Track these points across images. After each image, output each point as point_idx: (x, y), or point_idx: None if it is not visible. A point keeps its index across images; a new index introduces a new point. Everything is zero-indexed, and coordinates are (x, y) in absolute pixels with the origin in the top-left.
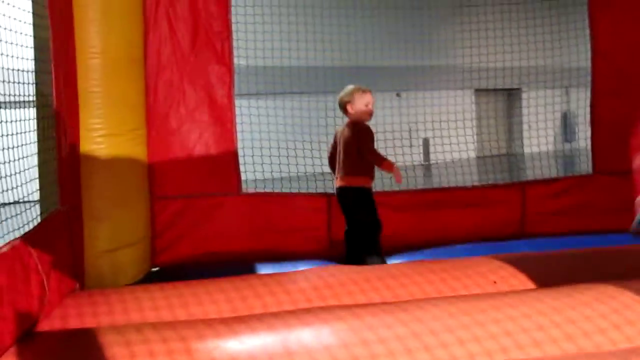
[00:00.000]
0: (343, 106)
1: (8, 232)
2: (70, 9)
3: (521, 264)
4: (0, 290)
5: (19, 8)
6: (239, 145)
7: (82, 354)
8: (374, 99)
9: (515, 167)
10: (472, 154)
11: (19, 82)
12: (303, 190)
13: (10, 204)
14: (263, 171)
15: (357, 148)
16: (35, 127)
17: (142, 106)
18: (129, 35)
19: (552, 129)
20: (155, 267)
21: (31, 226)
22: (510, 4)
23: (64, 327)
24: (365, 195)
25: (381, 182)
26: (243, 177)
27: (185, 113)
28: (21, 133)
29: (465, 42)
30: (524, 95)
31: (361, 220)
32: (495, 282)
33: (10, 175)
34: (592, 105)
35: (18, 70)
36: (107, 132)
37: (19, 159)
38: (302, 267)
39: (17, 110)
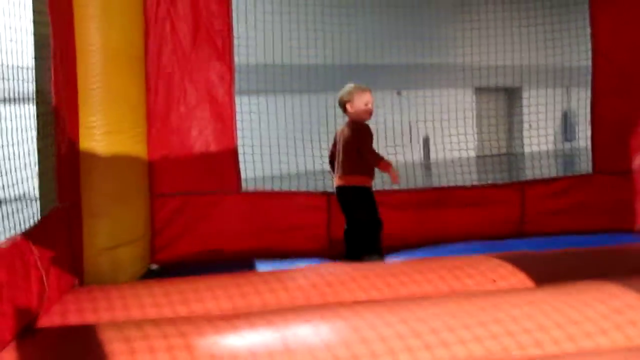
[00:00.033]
0: (342, 105)
1: (10, 229)
2: (71, 5)
3: (521, 263)
4: (0, 287)
5: (19, 4)
6: (239, 143)
7: (82, 349)
8: (373, 98)
9: (515, 166)
10: (472, 153)
11: (19, 79)
12: (303, 188)
13: (11, 200)
14: (263, 169)
15: (356, 147)
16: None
17: (143, 104)
18: (130, 32)
19: (552, 128)
20: (154, 264)
21: (32, 223)
22: (511, 3)
23: (63, 323)
24: (365, 194)
25: (381, 181)
26: (243, 175)
27: (185, 111)
28: (23, 130)
29: (466, 40)
30: (525, 94)
31: (361, 220)
32: (494, 281)
33: (12, 171)
34: (592, 105)
35: (18, 67)
36: (107, 130)
37: (22, 155)
38: (301, 265)
39: (19, 106)
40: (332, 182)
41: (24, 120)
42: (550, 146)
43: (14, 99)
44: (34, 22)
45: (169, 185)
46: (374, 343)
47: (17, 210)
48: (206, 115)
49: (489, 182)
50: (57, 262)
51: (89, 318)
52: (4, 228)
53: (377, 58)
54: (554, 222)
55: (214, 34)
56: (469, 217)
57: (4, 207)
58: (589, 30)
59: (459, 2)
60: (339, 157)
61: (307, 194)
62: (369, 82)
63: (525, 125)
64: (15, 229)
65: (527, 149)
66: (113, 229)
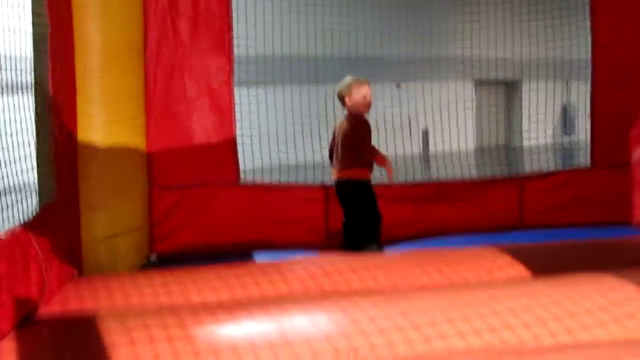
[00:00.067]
0: (341, 98)
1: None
2: (69, 1)
3: (519, 255)
4: (0, 278)
5: None
6: (238, 133)
7: (81, 339)
8: (371, 91)
9: (514, 159)
10: (471, 146)
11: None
12: (301, 180)
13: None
14: (262, 160)
15: (353, 142)
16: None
17: (142, 94)
18: (129, 22)
19: (551, 122)
20: (153, 255)
21: (31, 213)
22: None
23: (64, 312)
24: (364, 188)
25: (380, 174)
26: (241, 166)
27: (184, 102)
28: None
29: (466, 33)
30: (524, 87)
31: (360, 213)
32: (490, 271)
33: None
34: (592, 98)
35: (16, 57)
36: (106, 119)
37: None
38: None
39: (17, 96)
40: (330, 175)
41: (23, 112)
42: (550, 139)
43: (15, 89)
44: (33, 12)
45: (168, 176)
46: (373, 335)
47: (18, 202)
48: (205, 106)
49: (488, 175)
50: (56, 253)
51: (89, 308)
52: (6, 218)
53: (377, 50)
54: (552, 215)
55: (213, 25)
56: (467, 210)
57: (6, 198)
58: (589, 23)
59: None
60: (338, 150)
61: (306, 187)
62: (368, 74)
63: (525, 119)
64: (16, 220)
65: (526, 143)
66: (111, 219)
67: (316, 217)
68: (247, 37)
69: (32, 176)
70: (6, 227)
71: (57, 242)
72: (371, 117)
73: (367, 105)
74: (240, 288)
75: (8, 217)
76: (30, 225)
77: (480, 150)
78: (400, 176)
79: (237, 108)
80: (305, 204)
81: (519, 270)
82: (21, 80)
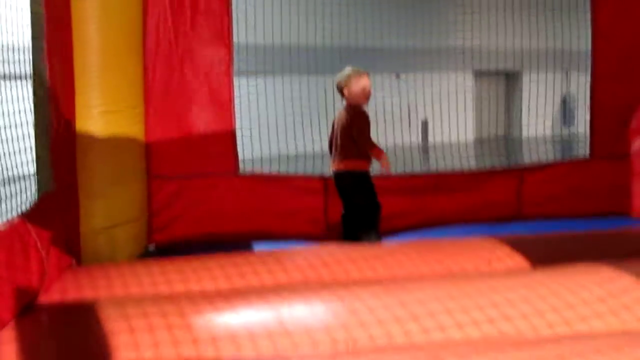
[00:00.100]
0: (340, 89)
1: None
2: None
3: (518, 245)
4: (0, 268)
5: None
6: (237, 124)
7: (81, 327)
8: (370, 82)
9: (513, 150)
10: (471, 137)
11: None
12: (300, 171)
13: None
14: (261, 150)
15: (352, 132)
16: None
17: (140, 84)
18: (128, 11)
19: (551, 113)
20: (151, 246)
21: (30, 203)
22: None
23: (63, 301)
24: (363, 179)
25: (379, 165)
26: (240, 156)
27: (183, 92)
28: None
29: (466, 23)
30: (524, 78)
31: (360, 204)
32: (489, 262)
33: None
34: (592, 89)
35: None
36: (105, 109)
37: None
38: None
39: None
40: (329, 167)
41: (22, 102)
42: (549, 131)
43: (14, 78)
44: (30, 0)
45: (166, 167)
46: (372, 326)
47: (18, 192)
48: (204, 96)
49: (487, 166)
50: (55, 243)
51: (88, 296)
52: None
53: (377, 41)
54: (551, 206)
55: (213, 14)
56: (466, 201)
57: (6, 189)
58: (589, 14)
59: None
60: (337, 141)
61: (305, 178)
62: (368, 65)
63: (524, 110)
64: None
65: (525, 133)
66: (109, 209)
67: (315, 208)
68: (246, 27)
69: (31, 167)
70: (7, 218)
71: (56, 231)
72: (371, 108)
73: (367, 97)
74: (239, 277)
75: (8, 208)
76: (28, 215)
77: (479, 141)
78: (399, 167)
79: (236, 98)
80: (304, 195)
81: (517, 261)
82: (19, 71)
